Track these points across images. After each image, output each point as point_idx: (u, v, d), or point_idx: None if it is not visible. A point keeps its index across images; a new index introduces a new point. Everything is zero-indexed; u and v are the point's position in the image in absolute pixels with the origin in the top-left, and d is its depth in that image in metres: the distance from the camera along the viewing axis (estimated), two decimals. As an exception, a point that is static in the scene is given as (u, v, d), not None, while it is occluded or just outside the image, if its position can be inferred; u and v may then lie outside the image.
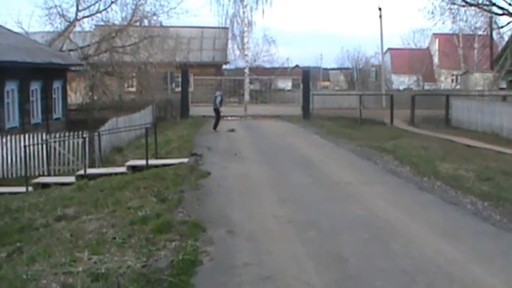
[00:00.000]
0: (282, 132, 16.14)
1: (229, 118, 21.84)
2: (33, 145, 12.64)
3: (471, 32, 30.03)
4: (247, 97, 26.69)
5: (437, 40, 41.36)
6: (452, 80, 39.00)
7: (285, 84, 40.19)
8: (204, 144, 12.67)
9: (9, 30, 19.48)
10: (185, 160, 10.00)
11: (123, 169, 9.94)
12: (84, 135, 12.76)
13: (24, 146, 12.15)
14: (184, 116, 21.16)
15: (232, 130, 15.93)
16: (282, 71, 38.94)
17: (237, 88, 25.39)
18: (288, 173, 8.84)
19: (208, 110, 22.28)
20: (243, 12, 28.07)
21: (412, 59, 39.54)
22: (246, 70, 28.91)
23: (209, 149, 11.74)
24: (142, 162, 9.99)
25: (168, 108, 22.23)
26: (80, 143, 12.54)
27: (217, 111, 16.20)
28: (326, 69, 62.71)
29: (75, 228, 5.97)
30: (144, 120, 17.44)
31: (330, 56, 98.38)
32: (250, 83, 30.95)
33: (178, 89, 23.62)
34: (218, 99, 16.33)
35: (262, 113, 22.63)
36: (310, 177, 8.40)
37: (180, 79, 23.35)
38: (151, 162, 9.95)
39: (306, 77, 22.85)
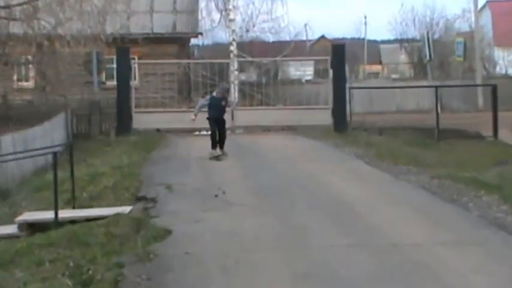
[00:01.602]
0: (297, 157, 16.18)
1: (203, 133, 21.88)
2: None
3: None
4: (235, 96, 26.84)
5: None
6: None
7: (302, 70, 40.55)
8: (159, 179, 12.70)
9: None
10: (126, 209, 10.02)
11: (11, 229, 9.91)
12: None
13: None
14: (123, 131, 21.29)
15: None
16: (297, 47, 39.24)
17: (218, 80, 25.53)
18: (308, 229, 8.83)
19: (167, 120, 22.49)
20: None
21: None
22: (233, 47, 29.15)
23: (169, 189, 11.78)
24: (48, 215, 9.97)
25: (95, 118, 22.32)
26: None
27: (220, 121, 16.31)
28: (374, 42, 63.52)
29: None
30: (51, 140, 17.47)
31: (380, 20, 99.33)
32: (241, 70, 31.15)
33: (112, 83, 23.72)
34: (222, 102, 16.33)
35: (262, 122, 22.75)
36: (348, 236, 8.39)
37: (114, 65, 23.49)
38: (65, 214, 9.93)
39: (339, 57, 23.05)
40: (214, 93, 16.62)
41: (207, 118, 16.15)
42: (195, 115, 16.50)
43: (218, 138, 16.11)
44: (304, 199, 10.88)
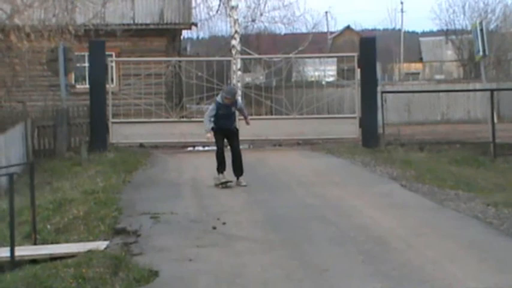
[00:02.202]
0: (315, 179, 16.31)
1: (199, 149, 21.90)
2: None
3: None
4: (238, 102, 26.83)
5: None
6: None
7: (322, 70, 40.57)
8: (143, 207, 12.79)
9: None
10: (101, 245, 10.03)
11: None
12: None
13: None
14: (98, 146, 21.34)
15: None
16: (315, 41, 39.28)
17: (217, 82, 25.58)
18: (330, 270, 8.82)
19: (153, 132, 22.47)
20: None
21: None
22: (235, 42, 29.16)
23: (155, 219, 11.85)
24: (2, 253, 9.92)
25: (61, 130, 22.32)
26: None
27: (230, 134, 15.85)
28: (413, 33, 63.48)
29: None
30: (6, 159, 17.47)
31: (421, 7, 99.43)
32: (245, 69, 31.09)
33: (84, 87, 23.79)
34: (232, 109, 15.83)
35: (271, 135, 22.78)
36: (383, 280, 8.38)
37: (86, 64, 23.55)
38: (24, 252, 9.90)
39: (369, 54, 23.08)
40: (218, 99, 15.80)
41: (213, 130, 15.49)
42: (210, 129, 15.49)
43: (232, 159, 15.62)
44: (324, 232, 10.86)
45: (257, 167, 18.34)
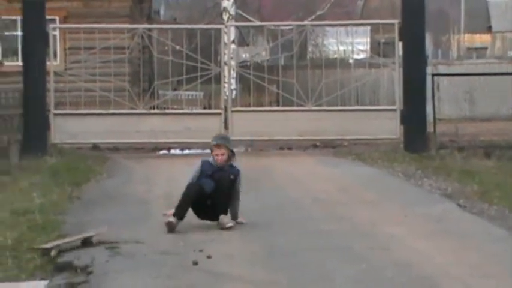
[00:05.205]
0: (338, 196, 16.42)
1: (176, 153, 21.95)
2: None
3: None
4: (231, 87, 26.85)
5: None
6: None
7: (349, 43, 40.51)
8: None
9: None
10: (38, 286, 10.08)
11: None
12: None
13: None
14: (34, 148, 21.35)
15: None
16: (340, 2, 39.34)
17: (202, 59, 25.60)
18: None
19: (112, 129, 22.41)
20: None
21: None
22: (227, 2, 29.20)
23: (114, 250, 11.86)
24: None
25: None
26: None
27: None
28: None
29: None
30: None
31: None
32: (241, 42, 31.05)
33: (14, 64, 23.86)
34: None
35: (277, 133, 22.88)
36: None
37: (19, 32, 23.59)
38: None
39: (415, 20, 23.12)
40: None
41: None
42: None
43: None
44: (350, 271, 10.82)
45: (257, 179, 18.30)
